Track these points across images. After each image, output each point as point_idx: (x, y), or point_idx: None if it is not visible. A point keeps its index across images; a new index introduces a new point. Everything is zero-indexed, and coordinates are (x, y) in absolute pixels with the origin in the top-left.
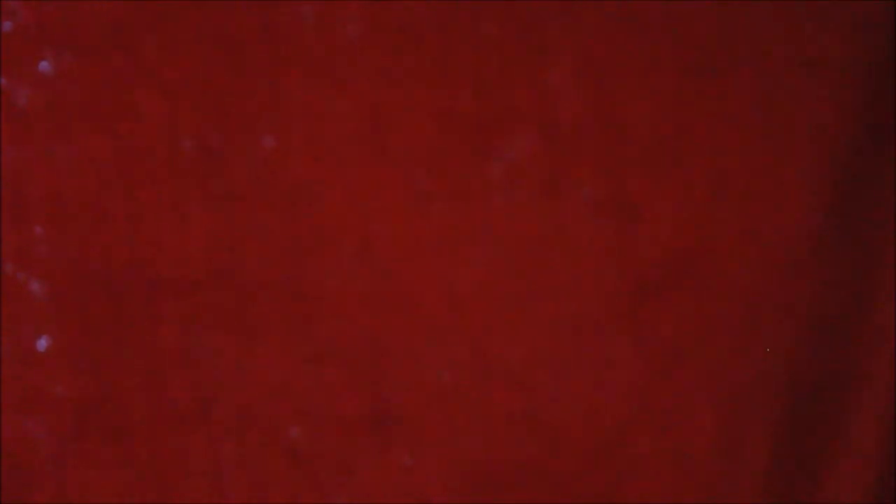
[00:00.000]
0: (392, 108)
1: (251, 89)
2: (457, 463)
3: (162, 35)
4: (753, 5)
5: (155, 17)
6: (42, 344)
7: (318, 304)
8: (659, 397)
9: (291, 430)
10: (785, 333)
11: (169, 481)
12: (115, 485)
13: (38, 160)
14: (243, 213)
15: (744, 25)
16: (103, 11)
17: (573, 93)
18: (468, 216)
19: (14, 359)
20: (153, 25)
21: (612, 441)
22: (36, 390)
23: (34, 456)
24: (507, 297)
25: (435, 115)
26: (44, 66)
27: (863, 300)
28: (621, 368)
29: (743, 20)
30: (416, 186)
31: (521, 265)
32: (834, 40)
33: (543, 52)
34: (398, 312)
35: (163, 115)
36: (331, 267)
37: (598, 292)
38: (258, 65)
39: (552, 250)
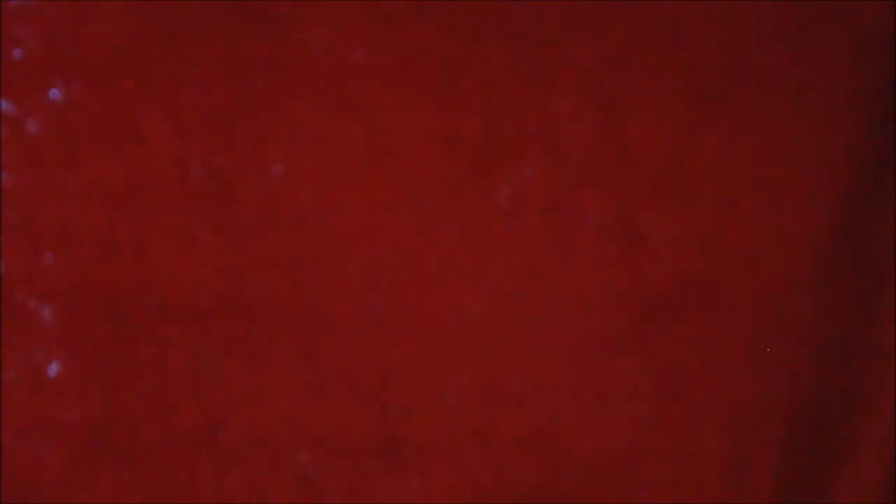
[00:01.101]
0: (399, 134)
1: (259, 115)
2: (465, 487)
3: (170, 62)
4: (757, 31)
5: (163, 45)
6: (52, 369)
7: (325, 329)
8: (666, 420)
9: (300, 456)
10: (791, 355)
11: None
12: None
13: (47, 187)
14: (251, 239)
15: (749, 53)
16: (112, 39)
17: (579, 118)
18: (475, 241)
19: (23, 384)
20: (162, 53)
21: (619, 464)
22: (45, 415)
23: (43, 480)
24: (513, 320)
25: (442, 140)
26: (54, 93)
27: (868, 321)
28: (628, 392)
29: (746, 45)
30: (424, 212)
31: (527, 289)
32: (837, 61)
33: (549, 78)
34: (406, 337)
35: (171, 141)
36: (338, 292)
37: (605, 316)
38: (266, 91)
39: (558, 274)
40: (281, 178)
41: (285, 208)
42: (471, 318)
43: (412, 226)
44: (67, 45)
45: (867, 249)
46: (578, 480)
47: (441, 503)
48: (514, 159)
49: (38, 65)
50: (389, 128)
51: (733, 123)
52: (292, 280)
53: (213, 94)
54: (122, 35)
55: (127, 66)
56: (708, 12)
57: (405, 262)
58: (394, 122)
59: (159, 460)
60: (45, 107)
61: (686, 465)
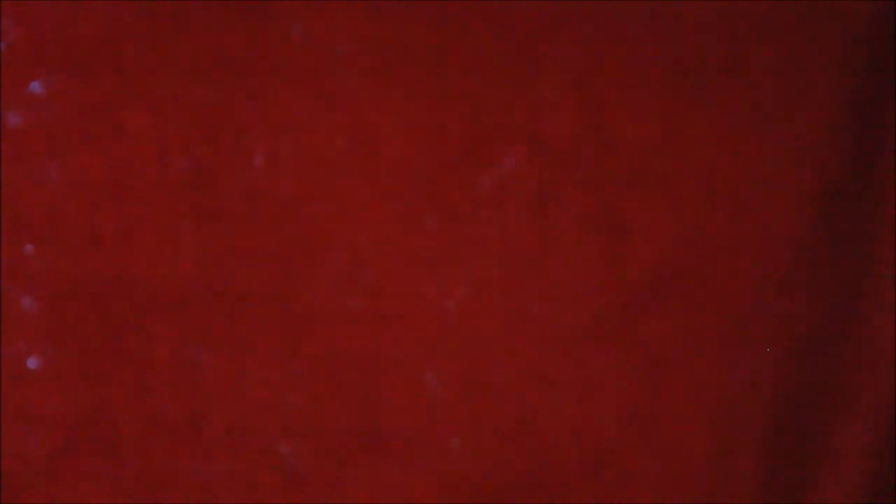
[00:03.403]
0: (382, 124)
1: (241, 107)
2: (446, 478)
3: (152, 54)
4: (742, 22)
5: (146, 37)
6: (34, 361)
7: (308, 320)
8: (649, 410)
9: (282, 445)
10: (774, 345)
11: (159, 496)
12: (105, 499)
13: (30, 179)
14: (234, 230)
15: (733, 42)
16: (94, 31)
17: (563, 109)
18: (458, 231)
19: (6, 375)
20: (144, 45)
21: (602, 454)
22: (28, 406)
23: (26, 470)
24: (496, 311)
25: (425, 130)
26: (35, 86)
27: (851, 312)
28: (611, 382)
29: (732, 37)
30: (406, 202)
31: (510, 280)
32: (823, 55)
33: (533, 68)
34: (388, 327)
35: (153, 133)
36: (321, 282)
37: (588, 307)
38: (248, 83)
39: (542, 265)
40: (263, 170)
41: (267, 200)
42: (453, 310)
43: (395, 217)
44: (49, 37)
45: (852, 244)
46: (560, 472)
47: (423, 494)
48: (497, 151)
49: (19, 57)
50: (372, 119)
51: (717, 116)
52: (274, 271)
53: (195, 86)
54: (105, 28)
55: (109, 59)
56: (692, 6)
57: (388, 254)
58: (376, 113)
59: (142, 451)
60: (26, 99)
61: (669, 457)
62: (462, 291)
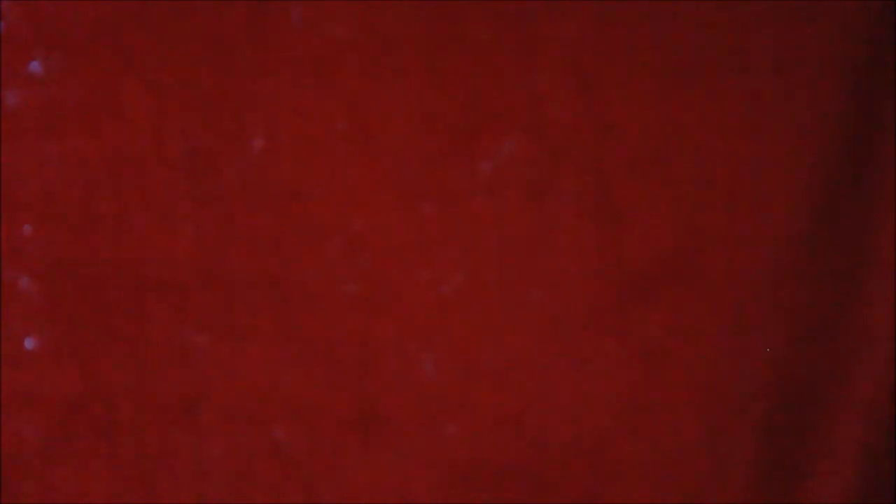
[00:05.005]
0: (380, 110)
1: (240, 90)
2: (442, 462)
3: (151, 37)
4: (740, 11)
5: (145, 19)
6: (30, 342)
7: (305, 304)
8: (644, 398)
9: (277, 429)
10: (770, 335)
11: (155, 479)
12: (102, 482)
13: (28, 160)
14: (231, 213)
15: (730, 31)
16: (94, 13)
17: (561, 96)
18: (455, 217)
19: (3, 357)
20: (143, 27)
21: (597, 442)
22: (25, 388)
23: (23, 453)
24: (493, 298)
25: (423, 116)
26: (34, 66)
27: (848, 303)
28: (607, 370)
29: (730, 26)
30: (404, 187)
31: (507, 266)
32: (820, 40)
33: (532, 56)
34: (385, 312)
35: (152, 116)
36: (318, 267)
37: (584, 294)
38: (247, 66)
39: (538, 252)
40: (261, 154)
41: (265, 183)
42: (449, 296)
43: (392, 202)
44: (49, 18)
45: (848, 230)
46: (555, 457)
47: (418, 479)
48: (494, 136)
49: (19, 37)
50: (370, 104)
51: (716, 106)
52: (271, 255)
53: (194, 69)
54: (104, 9)
55: (108, 41)
56: None
57: (384, 238)
58: (374, 97)
59: (137, 433)
60: (25, 80)
61: (663, 443)
62: (458, 278)
